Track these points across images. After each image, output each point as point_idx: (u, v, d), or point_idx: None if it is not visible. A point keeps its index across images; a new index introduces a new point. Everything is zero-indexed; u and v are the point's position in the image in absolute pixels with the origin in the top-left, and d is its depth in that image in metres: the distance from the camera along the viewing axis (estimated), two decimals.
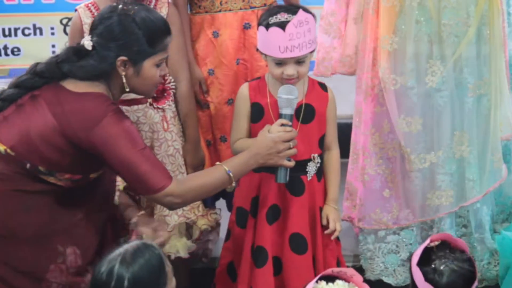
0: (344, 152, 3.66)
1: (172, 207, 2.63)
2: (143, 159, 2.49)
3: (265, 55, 2.84)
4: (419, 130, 3.22)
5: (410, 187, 3.29)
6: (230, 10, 3.24)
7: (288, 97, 2.74)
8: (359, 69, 3.32)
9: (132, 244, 2.20)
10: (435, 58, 3.14)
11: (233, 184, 2.69)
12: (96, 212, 2.70)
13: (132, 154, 2.47)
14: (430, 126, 3.23)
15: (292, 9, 2.78)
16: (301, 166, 2.92)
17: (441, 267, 2.43)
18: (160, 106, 3.11)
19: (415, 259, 2.45)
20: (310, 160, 2.95)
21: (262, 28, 2.79)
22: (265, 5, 3.25)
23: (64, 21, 4.41)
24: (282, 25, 2.73)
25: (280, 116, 2.76)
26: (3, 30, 4.38)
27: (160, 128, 3.12)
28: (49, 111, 2.49)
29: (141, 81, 2.59)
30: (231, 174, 2.62)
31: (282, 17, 2.76)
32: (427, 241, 2.50)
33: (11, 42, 4.39)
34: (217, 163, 2.71)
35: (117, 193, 2.78)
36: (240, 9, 3.25)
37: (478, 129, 3.26)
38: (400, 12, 3.12)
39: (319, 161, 2.98)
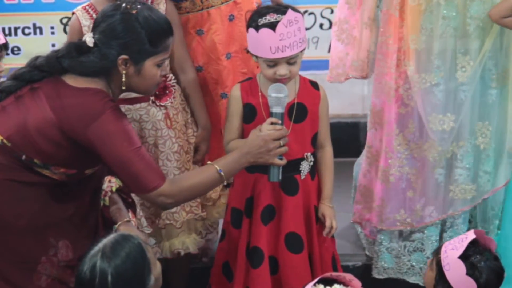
0: (342, 150, 3.67)
1: (164, 207, 2.65)
2: (138, 158, 2.49)
3: (256, 56, 2.84)
4: (452, 127, 3.23)
5: (434, 184, 3.29)
6: (212, 6, 3.21)
7: (278, 96, 2.74)
8: (378, 71, 3.29)
9: (109, 237, 2.18)
10: (459, 52, 3.14)
11: (225, 183, 2.70)
12: (88, 209, 2.69)
13: (128, 152, 2.47)
14: (459, 121, 3.23)
15: (281, 9, 2.77)
16: (294, 165, 2.92)
17: (480, 264, 2.40)
18: (163, 104, 3.12)
19: (455, 252, 2.41)
20: (303, 159, 2.94)
21: (252, 30, 2.78)
22: None
23: (64, 21, 4.42)
24: (272, 26, 2.72)
25: (270, 115, 2.76)
26: (3, 29, 4.38)
27: (163, 126, 3.14)
28: (47, 104, 2.48)
29: (142, 81, 2.59)
30: (222, 173, 2.62)
31: (271, 17, 2.75)
32: (471, 236, 2.45)
33: (11, 41, 4.37)
34: (208, 162, 2.72)
35: (109, 194, 2.77)
36: (222, 3, 3.22)
37: (499, 121, 3.27)
38: (425, 10, 3.12)
39: (312, 159, 2.97)
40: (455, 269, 2.39)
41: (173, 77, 3.12)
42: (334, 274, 2.32)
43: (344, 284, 2.29)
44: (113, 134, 2.46)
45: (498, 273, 2.44)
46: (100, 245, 2.15)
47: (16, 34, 4.41)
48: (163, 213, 3.18)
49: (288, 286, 2.91)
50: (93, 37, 2.54)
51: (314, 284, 2.27)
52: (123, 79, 2.55)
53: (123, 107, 3.07)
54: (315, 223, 2.97)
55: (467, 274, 2.38)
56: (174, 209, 3.14)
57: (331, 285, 2.27)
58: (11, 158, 2.50)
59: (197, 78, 3.24)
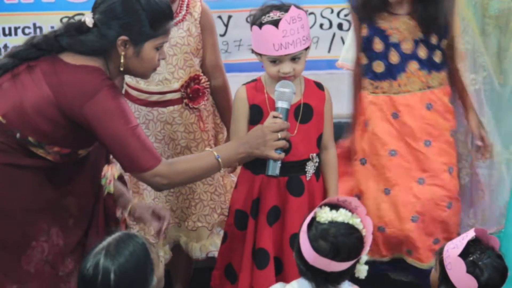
0: None
1: (159, 188, 2.65)
2: (134, 137, 2.49)
3: (260, 55, 2.84)
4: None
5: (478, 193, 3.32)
6: (408, 91, 3.21)
7: (281, 90, 2.75)
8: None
9: (114, 236, 2.20)
10: (479, 52, 3.16)
11: (221, 171, 2.70)
12: (84, 198, 2.70)
13: (124, 131, 2.48)
14: (499, 120, 3.26)
15: (284, 7, 2.79)
16: (300, 166, 2.93)
17: (481, 262, 2.42)
18: (196, 106, 3.13)
19: (456, 251, 2.42)
20: (309, 159, 2.95)
21: (255, 27, 2.80)
22: (441, 84, 3.23)
23: (64, 20, 4.40)
24: (275, 23, 2.74)
25: (276, 110, 2.77)
26: (3, 29, 4.36)
27: (196, 128, 3.16)
28: (44, 81, 2.48)
29: (140, 63, 2.59)
30: (220, 160, 2.64)
31: (274, 15, 2.77)
32: (471, 234, 2.47)
33: (11, 41, 4.38)
34: (207, 148, 2.74)
35: (112, 181, 2.78)
36: (419, 89, 3.21)
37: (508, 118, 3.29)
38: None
39: (318, 160, 2.98)
40: (456, 268, 2.40)
41: (206, 79, 3.13)
42: (341, 198, 2.32)
43: (350, 210, 2.30)
44: (110, 111, 2.46)
45: (501, 271, 2.45)
46: (104, 243, 2.17)
47: (16, 34, 4.39)
48: (195, 215, 3.21)
49: None
50: (93, 18, 2.53)
51: (320, 207, 2.28)
52: (122, 61, 2.54)
53: (157, 111, 3.09)
54: None
55: (468, 271, 2.39)
56: (206, 212, 3.18)
57: (337, 209, 2.28)
58: (5, 137, 2.50)
59: (227, 83, 3.26)
